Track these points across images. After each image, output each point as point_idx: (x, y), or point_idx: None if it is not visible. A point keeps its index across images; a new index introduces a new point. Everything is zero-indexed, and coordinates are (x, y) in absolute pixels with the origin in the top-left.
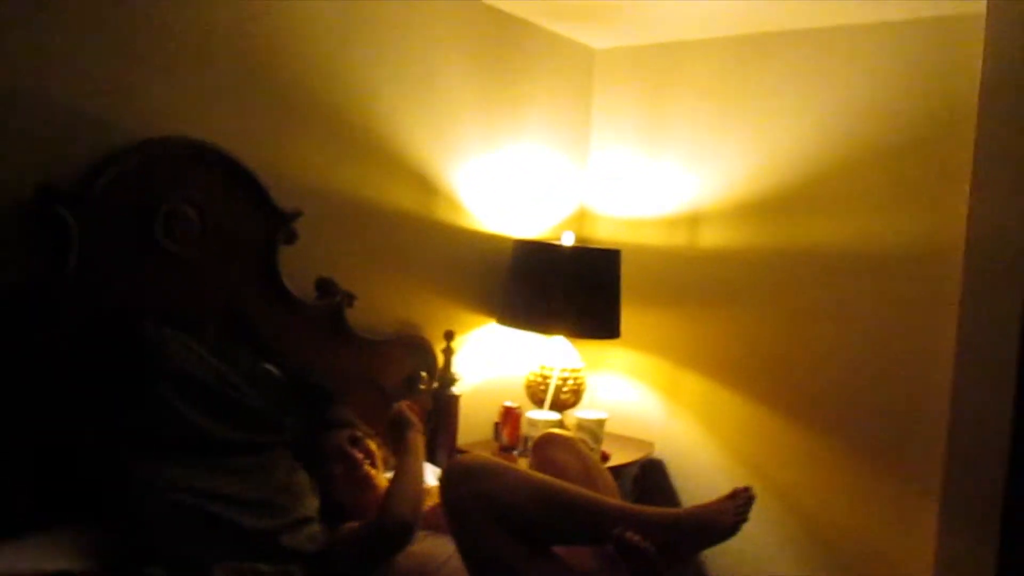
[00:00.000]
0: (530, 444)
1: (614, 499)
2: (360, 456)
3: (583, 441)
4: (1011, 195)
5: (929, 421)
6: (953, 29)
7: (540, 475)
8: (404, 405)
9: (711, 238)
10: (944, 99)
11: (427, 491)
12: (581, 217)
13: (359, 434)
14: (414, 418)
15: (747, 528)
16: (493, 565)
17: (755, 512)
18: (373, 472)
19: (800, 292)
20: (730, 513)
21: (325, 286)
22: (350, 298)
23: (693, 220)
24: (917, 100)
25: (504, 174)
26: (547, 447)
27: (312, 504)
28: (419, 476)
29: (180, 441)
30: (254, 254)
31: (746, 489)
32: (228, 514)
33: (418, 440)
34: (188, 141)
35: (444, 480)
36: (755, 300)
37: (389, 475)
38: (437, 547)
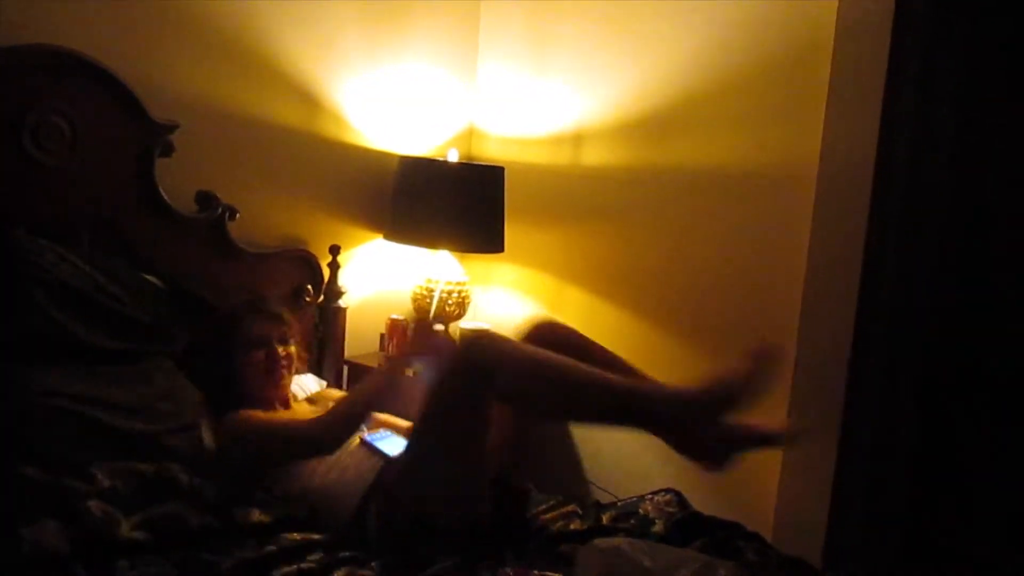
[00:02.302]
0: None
1: (621, 377)
2: (283, 353)
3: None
4: (860, 122)
5: (782, 330)
6: None
7: (547, 353)
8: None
9: (593, 157)
10: (805, 28)
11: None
12: (470, 135)
13: (288, 334)
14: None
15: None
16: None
17: None
18: (286, 375)
19: (674, 209)
20: (750, 377)
21: (206, 199)
22: (232, 212)
23: (577, 139)
24: (782, 27)
25: (391, 91)
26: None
27: (195, 410)
28: (347, 417)
29: (57, 349)
30: (130, 166)
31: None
32: (107, 418)
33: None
34: (56, 49)
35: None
36: (633, 217)
37: (301, 379)
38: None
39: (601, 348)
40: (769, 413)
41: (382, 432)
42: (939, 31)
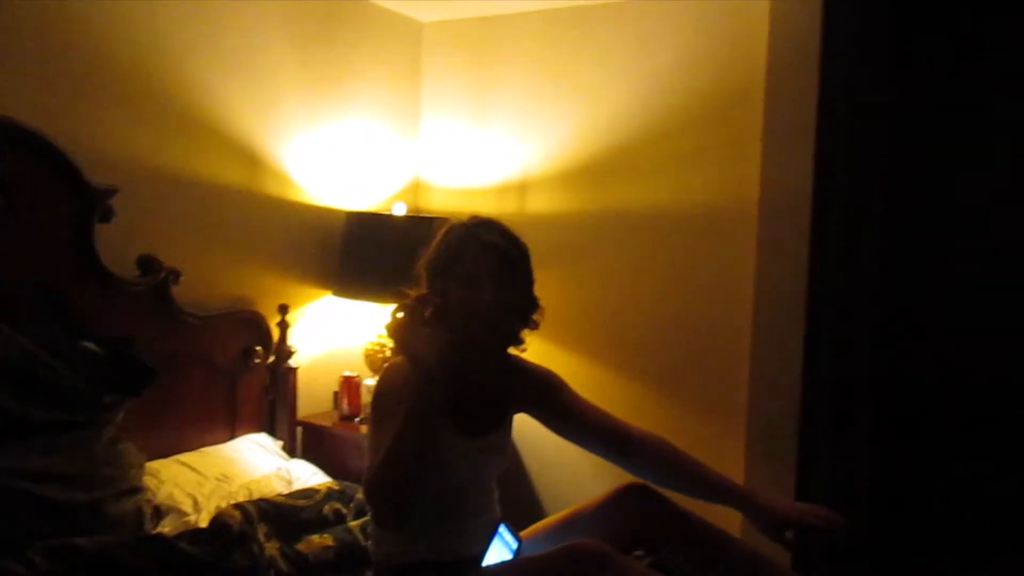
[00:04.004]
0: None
1: None
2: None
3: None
4: (796, 158)
5: (735, 365)
6: (743, 6)
7: None
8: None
9: (539, 204)
10: (738, 71)
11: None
12: (416, 188)
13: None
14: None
15: (584, 476)
16: None
17: (589, 459)
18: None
19: (621, 252)
20: None
21: (148, 263)
22: (176, 275)
23: (522, 187)
24: (715, 71)
25: (334, 148)
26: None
27: (139, 475)
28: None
29: None
30: (68, 233)
31: None
32: (43, 491)
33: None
34: None
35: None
36: (581, 261)
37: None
38: None
39: (701, 521)
40: (726, 448)
41: (509, 542)
42: (866, 67)
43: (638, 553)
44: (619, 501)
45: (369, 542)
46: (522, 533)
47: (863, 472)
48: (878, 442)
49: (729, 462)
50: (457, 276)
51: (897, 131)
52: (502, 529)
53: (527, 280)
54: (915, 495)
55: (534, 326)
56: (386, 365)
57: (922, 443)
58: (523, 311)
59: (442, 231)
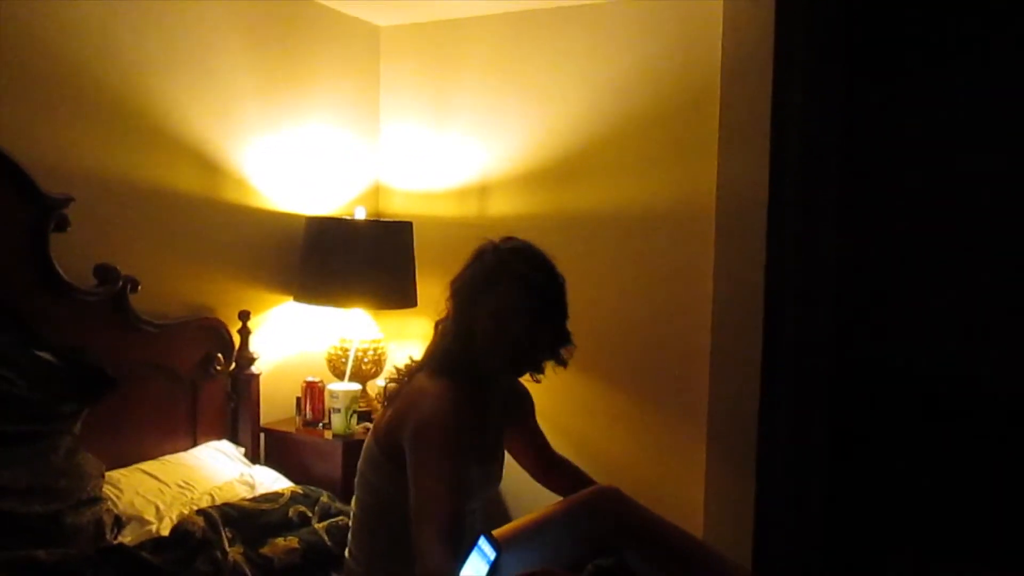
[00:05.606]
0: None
1: None
2: None
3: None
4: (751, 158)
5: (695, 366)
6: (697, 9)
7: None
8: None
9: (500, 207)
10: (694, 72)
11: None
12: (376, 192)
13: None
14: None
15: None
16: None
17: None
18: None
19: (582, 254)
20: None
21: (105, 273)
22: (134, 284)
23: (482, 190)
24: (672, 74)
25: (293, 153)
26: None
27: (98, 485)
28: None
29: None
30: (22, 243)
31: None
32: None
33: None
34: None
35: None
36: None
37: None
38: None
39: (670, 526)
40: (688, 449)
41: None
42: (818, 67)
43: (607, 556)
44: (590, 505)
45: (347, 560)
46: (495, 532)
47: (821, 474)
48: (836, 443)
49: (692, 461)
50: (487, 307)
51: (850, 130)
52: (481, 540)
53: (560, 316)
54: (871, 495)
55: (561, 361)
56: (425, 394)
57: (879, 442)
58: (551, 346)
59: (474, 253)
